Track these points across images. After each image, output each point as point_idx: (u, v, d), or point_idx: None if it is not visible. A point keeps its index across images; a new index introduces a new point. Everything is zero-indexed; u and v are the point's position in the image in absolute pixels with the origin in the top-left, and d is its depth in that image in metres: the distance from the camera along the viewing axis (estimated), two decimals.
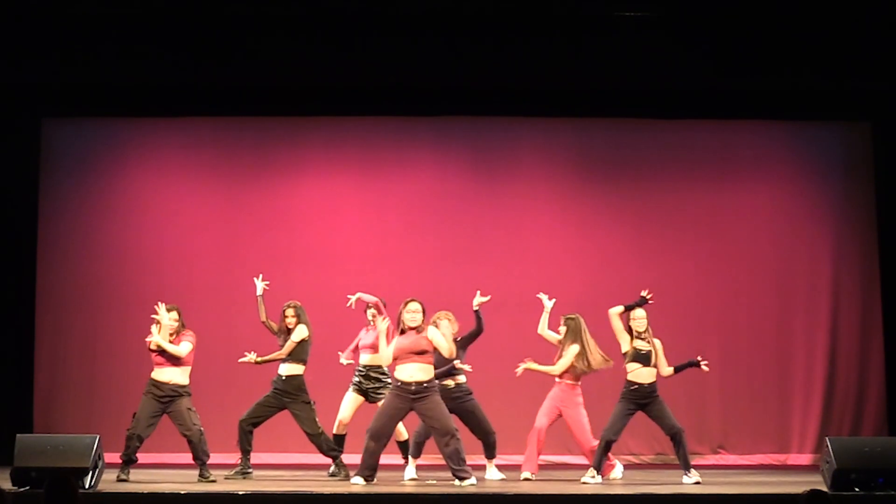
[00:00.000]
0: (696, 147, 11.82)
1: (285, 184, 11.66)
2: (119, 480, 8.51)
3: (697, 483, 8.54)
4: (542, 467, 10.55)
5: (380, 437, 8.37)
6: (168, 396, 8.72)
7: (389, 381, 9.14)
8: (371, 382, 9.25)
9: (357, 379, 9.30)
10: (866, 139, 11.79)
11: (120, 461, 8.68)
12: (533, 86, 11.10)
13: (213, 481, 8.55)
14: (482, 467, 9.26)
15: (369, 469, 8.36)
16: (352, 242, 11.55)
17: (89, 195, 11.57)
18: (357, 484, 8.32)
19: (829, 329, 11.56)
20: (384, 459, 10.14)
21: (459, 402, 9.04)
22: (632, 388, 8.77)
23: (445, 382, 8.94)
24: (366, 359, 9.30)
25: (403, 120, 11.76)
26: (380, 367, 9.21)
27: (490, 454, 9.29)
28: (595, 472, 8.69)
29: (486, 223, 11.60)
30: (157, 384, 8.73)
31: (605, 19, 10.40)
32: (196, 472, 8.76)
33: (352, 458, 9.19)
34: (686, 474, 8.67)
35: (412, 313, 8.36)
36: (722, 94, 11.30)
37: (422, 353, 8.27)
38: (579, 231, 11.65)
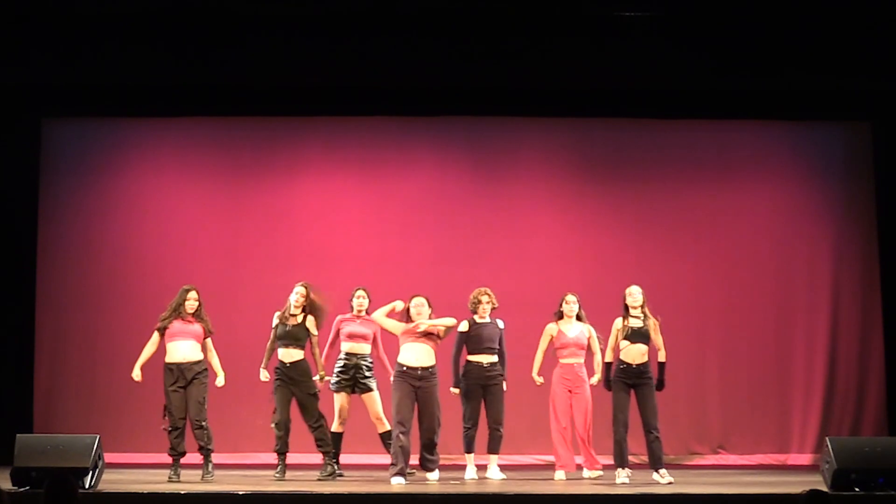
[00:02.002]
0: (696, 147, 11.81)
1: (285, 184, 11.65)
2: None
3: (670, 483, 8.58)
4: (542, 467, 10.59)
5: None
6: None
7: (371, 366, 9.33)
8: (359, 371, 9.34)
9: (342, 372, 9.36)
10: (866, 139, 11.78)
11: (171, 459, 8.79)
12: (533, 86, 11.09)
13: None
14: (484, 467, 9.34)
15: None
16: (352, 242, 11.55)
17: (89, 195, 11.57)
18: (399, 483, 8.53)
19: (829, 329, 11.56)
20: (384, 459, 10.20)
21: (492, 383, 9.25)
22: (621, 366, 8.82)
23: (478, 360, 9.22)
24: (350, 347, 9.38)
25: (403, 120, 11.75)
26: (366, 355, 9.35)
27: (493, 448, 9.33)
28: (623, 469, 8.76)
29: (486, 223, 11.59)
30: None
31: (606, 19, 10.39)
32: (190, 473, 8.80)
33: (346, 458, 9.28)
34: (656, 472, 8.71)
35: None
36: (722, 94, 11.29)
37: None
38: (579, 231, 11.65)
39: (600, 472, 9.17)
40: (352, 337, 9.37)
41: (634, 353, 8.81)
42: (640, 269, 11.23)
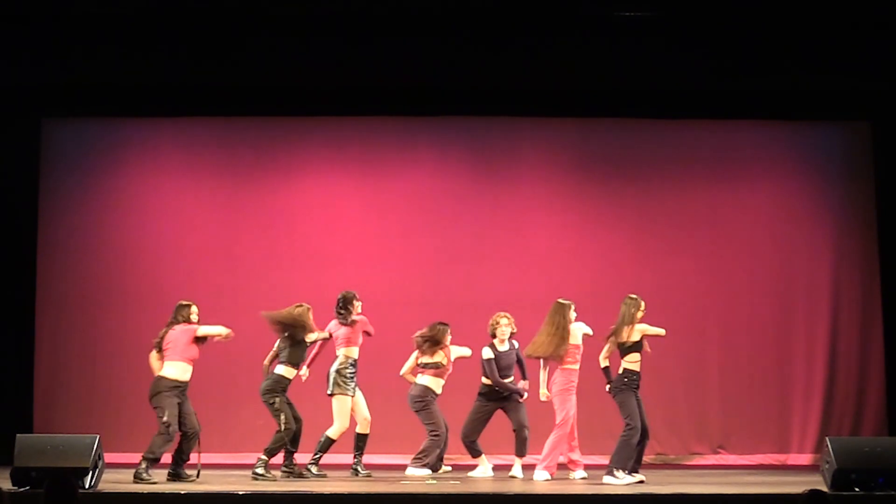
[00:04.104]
0: (696, 147, 11.81)
1: (285, 184, 11.65)
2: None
3: (628, 484, 8.53)
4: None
5: None
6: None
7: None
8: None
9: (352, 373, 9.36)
10: (866, 139, 11.78)
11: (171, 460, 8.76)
12: (533, 86, 11.09)
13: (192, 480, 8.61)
14: (508, 466, 9.50)
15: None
16: (352, 242, 11.54)
17: (89, 195, 11.56)
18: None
19: (829, 329, 11.55)
20: (383, 459, 10.21)
21: (509, 402, 9.46)
22: (633, 376, 8.79)
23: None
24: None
25: (404, 120, 11.75)
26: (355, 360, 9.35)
27: (520, 451, 9.44)
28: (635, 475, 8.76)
29: (487, 223, 11.59)
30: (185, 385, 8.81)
31: (605, 19, 10.40)
32: (190, 473, 8.80)
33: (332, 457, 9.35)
34: (613, 473, 8.64)
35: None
36: (722, 94, 11.28)
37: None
38: (579, 231, 11.65)
39: (585, 474, 9.17)
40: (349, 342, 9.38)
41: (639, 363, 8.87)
42: (641, 268, 11.25)
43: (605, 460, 8.93)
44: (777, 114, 11.63)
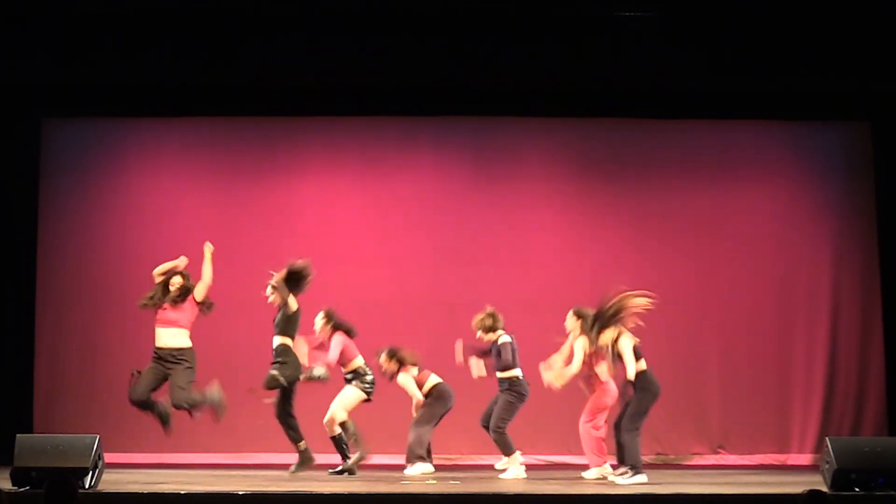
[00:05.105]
0: (696, 147, 11.82)
1: (285, 184, 11.66)
2: None
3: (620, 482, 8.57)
4: (543, 467, 10.60)
5: None
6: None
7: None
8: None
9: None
10: (866, 139, 11.79)
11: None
12: (533, 86, 11.10)
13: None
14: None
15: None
16: (352, 242, 11.55)
17: (89, 195, 11.57)
18: None
19: (829, 329, 11.56)
20: (383, 459, 10.21)
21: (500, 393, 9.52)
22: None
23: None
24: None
25: (404, 120, 11.75)
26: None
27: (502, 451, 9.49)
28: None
29: (487, 223, 11.59)
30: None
31: (605, 19, 10.40)
32: (190, 473, 8.81)
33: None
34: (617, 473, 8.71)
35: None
36: (722, 94, 11.30)
37: None
38: (580, 231, 11.65)
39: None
40: None
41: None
42: (641, 269, 11.24)
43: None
44: (777, 114, 11.64)
